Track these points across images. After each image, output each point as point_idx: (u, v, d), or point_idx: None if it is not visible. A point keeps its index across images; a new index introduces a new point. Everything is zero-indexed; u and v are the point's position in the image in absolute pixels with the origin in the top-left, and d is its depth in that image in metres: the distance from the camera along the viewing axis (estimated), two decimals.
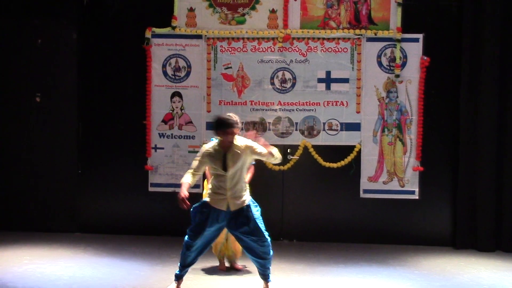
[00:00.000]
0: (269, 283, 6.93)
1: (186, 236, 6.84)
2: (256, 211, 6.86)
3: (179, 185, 9.68)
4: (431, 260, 8.86)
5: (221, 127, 6.71)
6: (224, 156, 6.74)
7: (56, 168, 10.14)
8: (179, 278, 6.96)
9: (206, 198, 6.91)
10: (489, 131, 9.45)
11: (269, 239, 6.82)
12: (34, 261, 8.28)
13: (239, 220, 6.78)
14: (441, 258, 8.98)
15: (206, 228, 6.77)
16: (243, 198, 6.82)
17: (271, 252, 6.84)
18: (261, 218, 6.86)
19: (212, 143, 6.91)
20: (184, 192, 6.63)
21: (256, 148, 6.75)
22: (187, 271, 7.00)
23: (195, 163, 6.85)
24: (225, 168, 6.73)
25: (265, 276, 6.94)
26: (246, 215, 6.79)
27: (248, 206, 6.83)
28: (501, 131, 9.48)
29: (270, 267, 6.91)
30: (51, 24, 10.10)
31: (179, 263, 6.94)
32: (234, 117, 6.86)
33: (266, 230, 6.85)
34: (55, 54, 10.10)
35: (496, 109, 9.46)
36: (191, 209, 6.82)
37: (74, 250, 9.01)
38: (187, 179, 6.79)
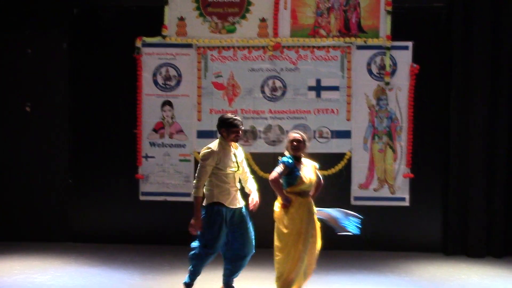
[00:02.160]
0: None
1: (202, 248, 6.89)
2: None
3: (170, 194, 9.84)
4: (421, 267, 8.89)
5: (231, 125, 6.96)
6: (233, 154, 7.04)
7: (47, 177, 10.13)
8: (190, 286, 7.03)
9: (214, 200, 6.92)
10: (479, 138, 9.49)
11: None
12: (25, 271, 8.27)
13: (234, 218, 6.99)
14: (431, 265, 9.00)
15: (221, 238, 6.91)
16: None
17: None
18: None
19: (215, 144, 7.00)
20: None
21: None
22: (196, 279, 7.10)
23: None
24: (237, 165, 7.02)
25: (229, 285, 7.14)
26: (242, 214, 7.07)
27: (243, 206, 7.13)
28: (491, 137, 9.52)
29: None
30: (42, 34, 10.09)
31: (191, 272, 6.99)
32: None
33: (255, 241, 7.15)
34: (45, 64, 10.10)
35: (486, 116, 9.50)
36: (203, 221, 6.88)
37: (65, 259, 9.00)
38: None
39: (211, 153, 6.83)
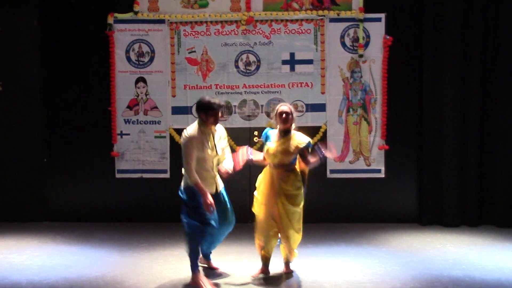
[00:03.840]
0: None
1: (207, 226, 6.69)
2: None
3: (145, 171, 9.82)
4: (398, 237, 8.98)
5: (209, 108, 6.76)
6: (213, 137, 6.91)
7: (21, 157, 10.04)
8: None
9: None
10: (452, 109, 9.55)
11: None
12: (1, 251, 8.24)
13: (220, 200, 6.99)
14: (407, 235, 9.10)
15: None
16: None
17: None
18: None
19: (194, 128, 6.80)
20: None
21: None
22: None
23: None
24: (215, 149, 6.91)
25: (207, 255, 7.34)
26: (220, 198, 7.04)
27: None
28: (464, 108, 9.58)
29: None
30: (11, 11, 9.93)
31: (195, 257, 6.81)
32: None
33: (234, 213, 7.19)
34: (16, 42, 9.97)
35: (459, 87, 9.55)
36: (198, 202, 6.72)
37: (42, 239, 8.96)
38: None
39: (191, 139, 6.65)
